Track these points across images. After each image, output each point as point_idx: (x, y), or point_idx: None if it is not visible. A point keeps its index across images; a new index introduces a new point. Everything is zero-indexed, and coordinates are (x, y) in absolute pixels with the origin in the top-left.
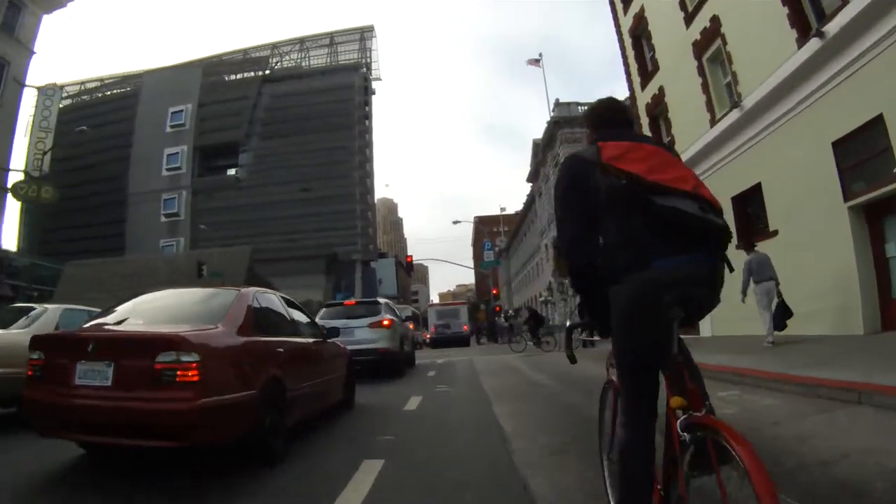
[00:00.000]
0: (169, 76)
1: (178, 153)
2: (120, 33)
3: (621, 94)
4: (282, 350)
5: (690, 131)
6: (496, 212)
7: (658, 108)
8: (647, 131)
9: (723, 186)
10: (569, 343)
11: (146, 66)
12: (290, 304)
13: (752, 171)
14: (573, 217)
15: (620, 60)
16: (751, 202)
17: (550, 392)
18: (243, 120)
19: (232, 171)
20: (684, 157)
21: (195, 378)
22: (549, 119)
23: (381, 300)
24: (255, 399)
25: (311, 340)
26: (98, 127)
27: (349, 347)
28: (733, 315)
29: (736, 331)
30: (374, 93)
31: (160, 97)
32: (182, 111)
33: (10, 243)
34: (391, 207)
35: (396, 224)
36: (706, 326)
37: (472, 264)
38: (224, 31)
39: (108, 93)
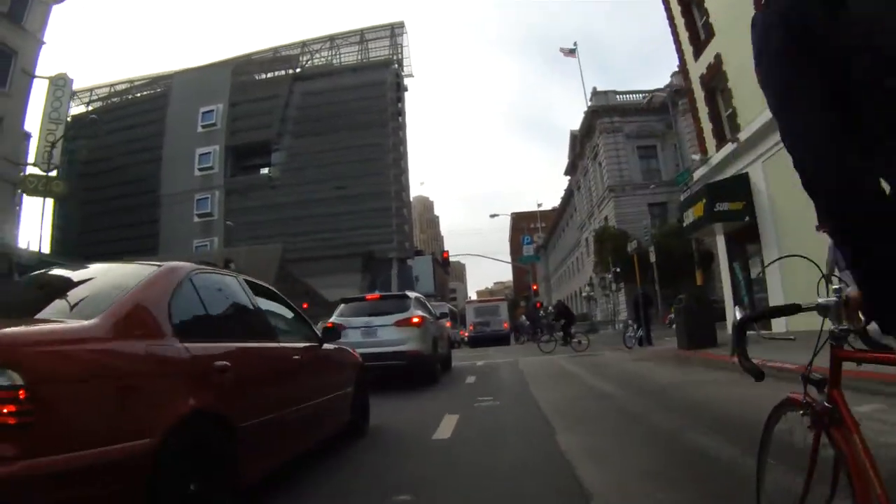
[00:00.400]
0: (198, 76)
1: (210, 153)
2: (149, 34)
3: (661, 80)
4: (228, 363)
5: (754, 102)
6: (533, 208)
7: (715, 79)
8: (702, 107)
9: None
10: (742, 348)
11: (176, 67)
12: (263, 291)
13: None
14: (803, 110)
15: (658, 47)
16: None
17: (630, 411)
18: (275, 119)
19: (265, 171)
20: (751, 130)
21: (13, 421)
22: (585, 109)
23: (411, 294)
24: (153, 453)
25: (293, 346)
26: (129, 129)
27: (372, 350)
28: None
29: (809, 326)
30: (406, 89)
31: (190, 97)
32: (213, 111)
33: (45, 245)
34: (427, 205)
35: (433, 222)
36: (780, 322)
37: (509, 261)
38: (253, 31)
39: (139, 94)
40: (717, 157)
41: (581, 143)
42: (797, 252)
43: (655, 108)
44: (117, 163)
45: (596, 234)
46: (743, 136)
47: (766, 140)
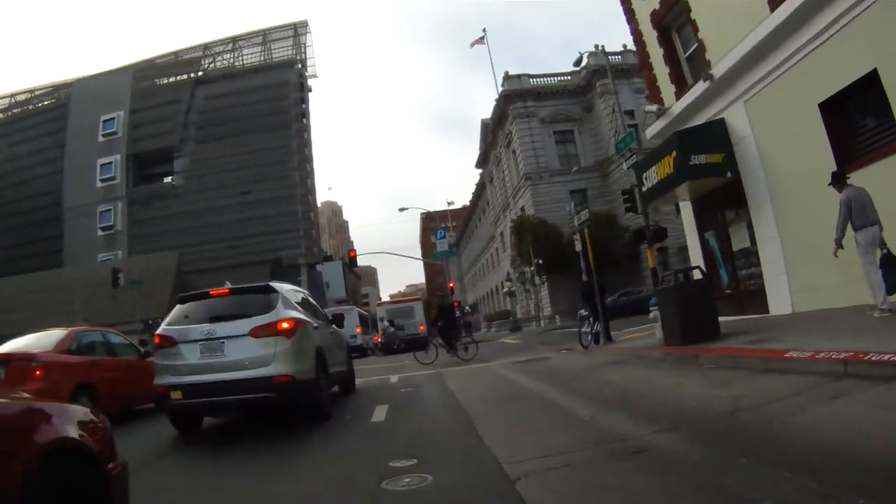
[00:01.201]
0: (99, 83)
1: (111, 163)
2: (51, 40)
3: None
4: None
5: (731, 30)
6: (444, 206)
7: (671, 14)
8: (655, 50)
9: (802, 90)
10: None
11: (78, 74)
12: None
13: (860, 55)
14: None
15: (577, 31)
16: (855, 105)
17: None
18: (177, 124)
19: (168, 179)
20: (727, 66)
21: None
22: (497, 96)
23: (280, 285)
24: None
25: None
26: (31, 140)
27: (214, 379)
28: (821, 282)
29: (822, 304)
30: (310, 90)
31: (91, 105)
32: (114, 119)
33: None
34: (335, 210)
35: (342, 227)
36: (784, 301)
37: (422, 265)
38: (155, 34)
39: (39, 104)
40: (679, 105)
41: (493, 131)
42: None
43: (571, 90)
44: (19, 177)
45: (513, 224)
46: (717, 72)
47: (748, 75)
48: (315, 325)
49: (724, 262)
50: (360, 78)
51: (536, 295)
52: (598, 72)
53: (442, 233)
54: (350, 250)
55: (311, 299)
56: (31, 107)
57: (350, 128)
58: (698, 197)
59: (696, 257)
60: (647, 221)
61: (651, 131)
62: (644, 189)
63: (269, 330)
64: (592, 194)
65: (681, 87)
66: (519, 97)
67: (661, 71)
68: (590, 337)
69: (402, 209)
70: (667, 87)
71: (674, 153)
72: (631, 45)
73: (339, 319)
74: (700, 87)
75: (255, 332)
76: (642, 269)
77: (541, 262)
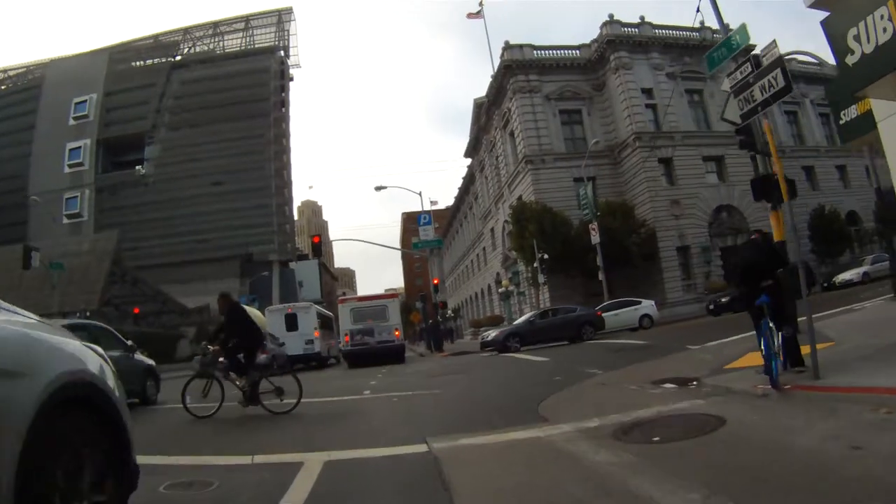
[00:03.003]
0: (74, 65)
1: (80, 147)
2: (30, 18)
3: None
4: None
5: None
6: (428, 207)
7: None
8: None
9: None
10: None
11: (53, 55)
12: None
13: None
14: None
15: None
16: None
17: None
18: (150, 109)
19: (139, 168)
20: None
21: None
22: (493, 73)
23: None
24: None
25: None
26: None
27: None
28: None
29: None
30: (292, 79)
31: (64, 87)
32: (86, 101)
33: None
34: (316, 210)
35: (321, 227)
36: None
37: (402, 266)
38: (136, 17)
39: (11, 85)
40: None
41: (488, 111)
42: None
43: (580, 65)
44: None
45: (513, 211)
46: None
47: None
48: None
49: None
50: (350, 74)
51: (537, 296)
52: (613, 43)
53: (426, 217)
54: (314, 236)
55: None
56: (2, 87)
57: (336, 126)
58: None
59: None
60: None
61: None
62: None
63: None
64: (602, 183)
65: None
66: (520, 69)
67: None
68: (777, 364)
69: (378, 188)
70: None
71: None
72: (649, 17)
73: (327, 325)
74: None
75: None
76: (662, 271)
77: (546, 256)
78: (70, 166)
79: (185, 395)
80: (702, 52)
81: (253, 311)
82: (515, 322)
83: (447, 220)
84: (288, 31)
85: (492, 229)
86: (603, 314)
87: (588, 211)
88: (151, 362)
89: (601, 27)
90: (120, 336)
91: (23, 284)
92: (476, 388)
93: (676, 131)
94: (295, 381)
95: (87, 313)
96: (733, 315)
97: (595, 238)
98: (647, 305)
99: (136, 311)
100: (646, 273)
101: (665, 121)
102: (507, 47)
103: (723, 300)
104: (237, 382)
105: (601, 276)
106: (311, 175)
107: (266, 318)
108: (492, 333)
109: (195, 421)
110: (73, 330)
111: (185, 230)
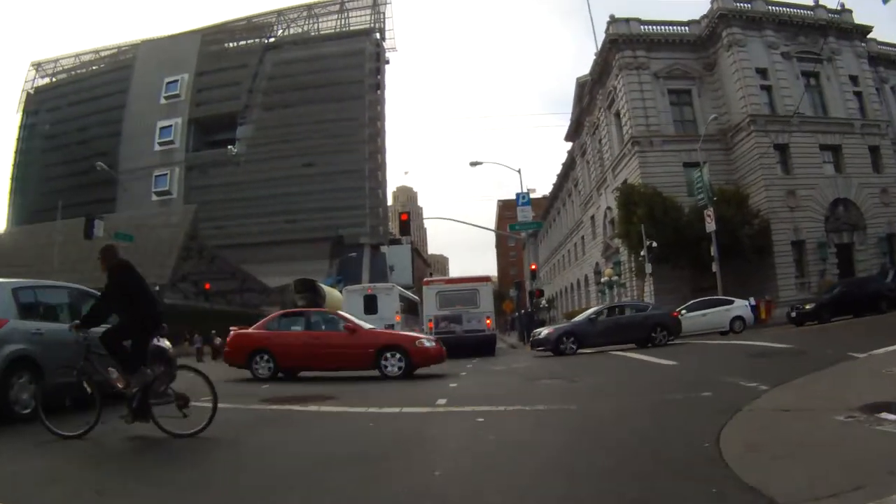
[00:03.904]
0: (167, 45)
1: (171, 126)
2: (123, 2)
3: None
4: None
5: None
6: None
7: None
8: None
9: None
10: None
11: (145, 36)
12: None
13: None
14: None
15: None
16: None
17: None
18: (243, 90)
19: (230, 148)
20: None
21: None
22: (597, 49)
23: None
24: None
25: None
26: (93, 100)
27: None
28: None
29: None
30: (387, 62)
31: (156, 68)
32: (177, 81)
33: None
34: (411, 196)
35: (416, 214)
36: None
37: (496, 254)
38: (231, 2)
39: (103, 66)
40: None
41: (591, 91)
42: None
43: (690, 42)
44: (78, 137)
45: (620, 194)
46: None
47: None
48: None
49: None
50: (448, 59)
51: (641, 288)
52: (725, 18)
53: (525, 197)
54: (402, 213)
55: None
56: (95, 67)
57: (432, 110)
58: None
59: None
60: None
61: None
62: None
63: None
64: (713, 169)
65: None
66: (627, 44)
67: None
68: None
69: (473, 163)
70: None
71: None
72: None
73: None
74: None
75: None
76: (775, 266)
77: (654, 244)
78: (161, 144)
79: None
80: (817, 32)
81: (330, 291)
82: (573, 319)
83: (544, 208)
84: (384, 13)
85: (592, 217)
86: (688, 314)
87: (703, 196)
88: (163, 343)
89: (712, 1)
90: None
91: (91, 256)
92: (598, 406)
93: (793, 115)
94: (204, 382)
95: (157, 287)
96: (817, 325)
97: (711, 226)
98: (741, 306)
99: (207, 286)
100: (757, 268)
101: (781, 104)
102: (613, 21)
103: (807, 307)
104: (118, 385)
105: (715, 268)
106: (408, 161)
107: (343, 298)
108: (544, 331)
109: (46, 446)
110: (44, 290)
111: (274, 210)
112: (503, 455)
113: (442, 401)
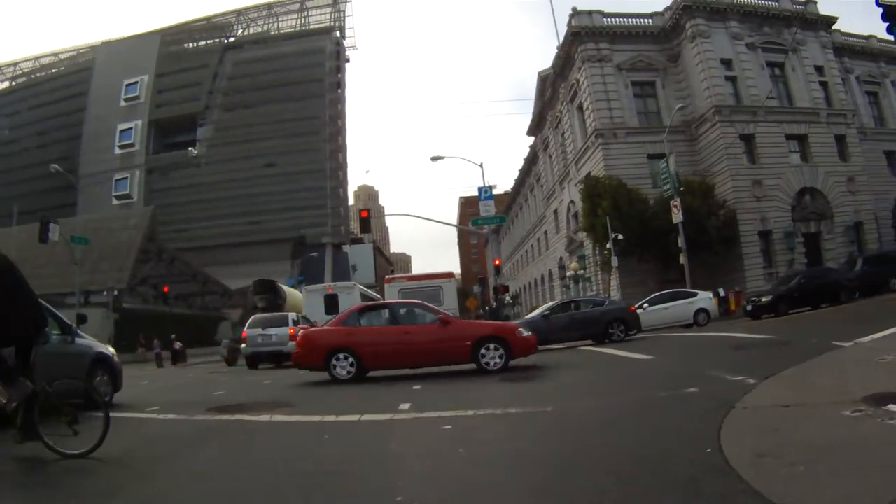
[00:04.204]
0: (126, 47)
1: (131, 128)
2: (80, 4)
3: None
4: None
5: None
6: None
7: None
8: None
9: None
10: None
11: (105, 38)
12: None
13: None
14: None
15: None
16: None
17: None
18: (203, 91)
19: (191, 149)
20: None
21: None
22: (559, 43)
23: None
24: None
25: None
26: (50, 104)
27: None
28: None
29: None
30: (348, 60)
31: (115, 69)
32: (137, 83)
33: None
34: (372, 195)
35: (377, 212)
36: None
37: (458, 252)
38: (189, 2)
39: (62, 68)
40: None
41: (553, 84)
42: None
43: (654, 34)
44: (37, 141)
45: (584, 187)
46: None
47: None
48: None
49: None
50: (408, 56)
51: (607, 283)
52: (689, 9)
53: (488, 192)
54: (362, 210)
55: None
56: (55, 70)
57: (395, 111)
58: None
59: None
60: None
61: None
62: None
63: None
64: (678, 161)
65: None
66: (590, 36)
67: None
68: None
69: (434, 158)
70: None
71: None
72: None
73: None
74: None
75: None
76: (742, 257)
77: (620, 237)
78: (121, 147)
79: None
80: (781, 23)
81: (291, 291)
82: (527, 317)
83: (506, 204)
84: (344, 11)
85: (555, 211)
86: (650, 308)
87: (669, 186)
88: (106, 349)
89: None
90: (56, 312)
91: (51, 262)
92: (576, 406)
93: (758, 106)
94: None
95: (115, 292)
96: (773, 318)
97: (678, 216)
98: (704, 298)
99: (166, 289)
100: (724, 259)
101: (746, 95)
102: (575, 13)
103: (763, 300)
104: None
105: (683, 260)
106: (370, 160)
107: (304, 298)
108: None
109: None
110: None
111: (236, 212)
112: (477, 475)
113: (405, 406)
